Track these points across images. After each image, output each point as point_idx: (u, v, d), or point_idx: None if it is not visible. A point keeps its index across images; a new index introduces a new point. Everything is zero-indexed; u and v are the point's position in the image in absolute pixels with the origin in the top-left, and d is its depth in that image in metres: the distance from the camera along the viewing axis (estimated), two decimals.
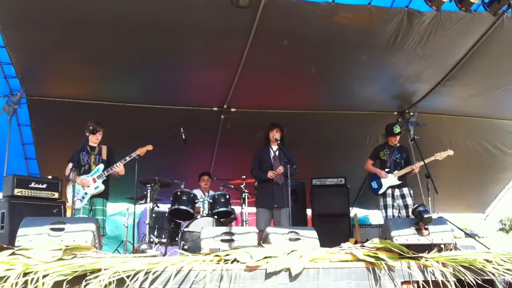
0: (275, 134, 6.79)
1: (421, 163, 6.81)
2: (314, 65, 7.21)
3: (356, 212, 9.57)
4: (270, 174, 6.69)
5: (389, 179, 7.10)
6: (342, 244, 4.68)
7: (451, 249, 4.98)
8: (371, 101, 8.51)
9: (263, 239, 4.86)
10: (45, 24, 6.04)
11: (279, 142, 6.71)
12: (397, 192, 7.07)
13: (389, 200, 7.06)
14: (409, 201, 6.96)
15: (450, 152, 7.03)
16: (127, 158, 6.60)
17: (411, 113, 8.78)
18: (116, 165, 6.55)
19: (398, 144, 7.23)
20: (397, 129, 7.25)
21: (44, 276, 3.50)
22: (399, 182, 7.06)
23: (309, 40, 6.58)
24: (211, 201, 6.92)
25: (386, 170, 7.16)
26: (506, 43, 6.61)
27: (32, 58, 6.74)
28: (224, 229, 4.87)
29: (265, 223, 6.54)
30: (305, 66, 7.23)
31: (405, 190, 7.04)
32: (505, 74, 7.42)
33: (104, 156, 6.73)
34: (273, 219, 6.73)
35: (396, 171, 7.07)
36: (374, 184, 7.23)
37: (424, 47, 6.70)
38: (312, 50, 6.85)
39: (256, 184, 7.12)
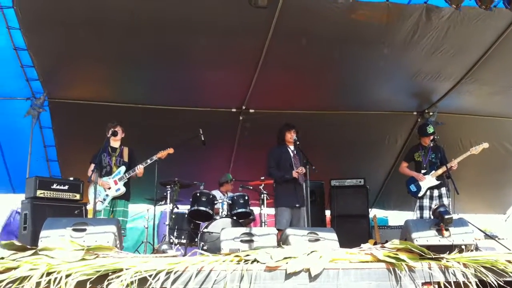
0: (293, 135, 6.81)
1: (458, 159, 6.89)
2: (332, 64, 7.18)
3: (375, 213, 9.53)
4: (295, 173, 6.68)
5: (427, 181, 7.06)
6: (362, 245, 4.67)
7: (472, 250, 4.93)
8: (390, 101, 8.45)
9: (282, 240, 4.87)
10: (65, 26, 6.12)
11: (298, 143, 6.71)
12: (435, 192, 7.03)
13: (426, 202, 7.03)
14: (445, 201, 6.90)
15: (485, 145, 6.98)
16: (148, 161, 6.67)
17: (431, 113, 8.69)
18: (137, 168, 6.63)
19: (432, 144, 7.16)
20: (430, 129, 7.21)
21: (67, 276, 3.56)
22: (437, 182, 7.02)
23: (327, 39, 6.56)
24: (230, 202, 6.93)
25: (423, 171, 7.12)
26: None
27: (53, 60, 6.82)
28: (243, 230, 4.88)
29: (287, 222, 6.53)
30: (323, 65, 7.21)
31: (443, 190, 6.99)
32: None
33: (125, 158, 6.82)
34: (295, 218, 6.71)
35: (433, 171, 7.02)
36: (413, 187, 7.19)
37: (442, 42, 6.62)
38: (330, 49, 6.81)
39: (274, 184, 7.10)
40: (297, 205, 6.66)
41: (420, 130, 7.48)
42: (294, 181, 6.70)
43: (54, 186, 6.53)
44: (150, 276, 3.60)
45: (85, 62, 6.96)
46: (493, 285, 4.00)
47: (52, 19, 6.01)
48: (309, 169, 6.35)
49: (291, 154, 6.90)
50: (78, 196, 6.70)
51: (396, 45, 6.71)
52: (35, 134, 7.89)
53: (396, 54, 6.94)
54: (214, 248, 5.73)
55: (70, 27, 6.15)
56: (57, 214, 5.95)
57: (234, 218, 6.70)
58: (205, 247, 6.20)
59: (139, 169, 6.65)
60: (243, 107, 8.47)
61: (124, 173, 6.67)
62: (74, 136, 8.31)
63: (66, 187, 6.63)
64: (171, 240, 6.70)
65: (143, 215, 8.69)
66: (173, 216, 6.89)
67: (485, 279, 4.06)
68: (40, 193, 6.37)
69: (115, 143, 6.85)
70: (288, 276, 3.86)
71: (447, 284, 4.05)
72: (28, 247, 4.16)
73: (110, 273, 3.63)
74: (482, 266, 4.17)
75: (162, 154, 6.74)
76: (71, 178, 6.86)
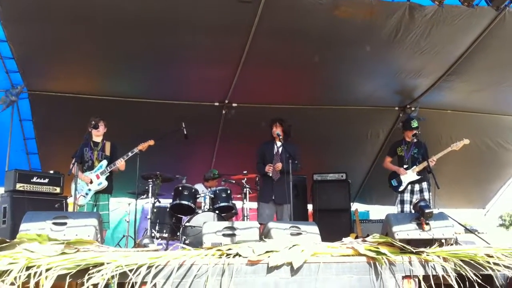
0: (277, 129, 6.83)
1: (439, 155, 6.99)
2: (315, 60, 7.18)
3: (357, 207, 9.59)
4: (267, 168, 6.78)
5: (408, 175, 7.12)
6: (343, 239, 4.69)
7: (452, 244, 4.99)
8: (372, 96, 8.49)
9: (265, 234, 4.88)
10: (47, 18, 6.02)
11: (280, 137, 6.74)
12: (416, 187, 7.10)
13: (406, 196, 7.10)
14: (426, 195, 6.97)
15: (466, 141, 7.06)
16: (129, 154, 6.67)
17: (413, 108, 8.76)
18: (118, 161, 6.60)
19: (415, 140, 7.21)
20: (414, 124, 7.24)
21: (47, 270, 3.52)
22: (418, 177, 7.07)
23: (310, 35, 6.56)
24: (212, 196, 6.93)
25: (405, 166, 7.18)
26: (507, 38, 6.58)
27: (34, 52, 6.71)
28: (226, 223, 4.88)
29: (267, 217, 6.59)
30: (306, 61, 7.20)
31: (424, 185, 7.07)
32: (507, 69, 7.37)
33: (107, 152, 6.81)
34: (276, 215, 6.77)
35: (415, 166, 7.08)
36: (394, 182, 7.26)
37: (425, 41, 6.66)
38: (313, 45, 6.83)
39: (257, 179, 7.16)
40: (273, 199, 6.76)
41: (404, 124, 7.54)
42: (271, 177, 6.79)
43: (34, 179, 6.47)
44: (131, 270, 3.58)
45: (67, 54, 6.86)
46: (472, 279, 4.05)
47: (33, 11, 5.90)
48: (291, 164, 6.38)
49: (275, 150, 6.94)
50: (58, 190, 6.66)
51: (380, 43, 6.73)
52: (15, 126, 7.81)
53: (379, 51, 6.96)
54: (196, 242, 5.73)
55: (52, 19, 6.05)
56: (37, 207, 5.88)
57: (217, 212, 6.69)
58: (187, 241, 6.20)
59: (120, 162, 6.63)
60: (226, 101, 8.45)
61: (106, 167, 6.64)
62: (55, 128, 8.22)
63: (46, 181, 6.57)
64: (153, 234, 6.67)
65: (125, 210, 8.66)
66: (155, 210, 6.86)
67: (464, 273, 4.11)
68: (19, 186, 6.31)
69: (97, 137, 6.83)
70: (270, 269, 3.87)
71: (426, 278, 4.10)
72: (7, 240, 4.10)
73: (91, 267, 3.59)
74: (462, 260, 4.23)
75: (143, 146, 6.73)
76: (52, 171, 6.80)
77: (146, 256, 3.77)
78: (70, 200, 6.67)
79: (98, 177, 6.61)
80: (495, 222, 31.16)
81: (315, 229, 4.97)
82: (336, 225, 8.26)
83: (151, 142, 6.81)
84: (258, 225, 5.01)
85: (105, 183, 6.62)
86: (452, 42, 6.81)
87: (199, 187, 7.72)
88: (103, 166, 6.65)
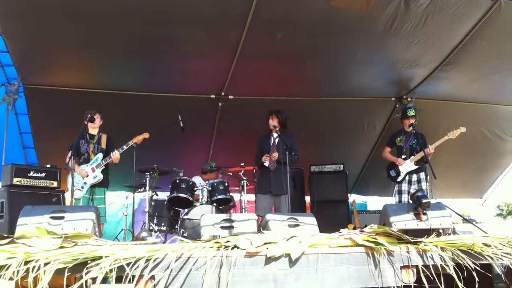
0: (273, 121, 6.85)
1: (435, 144, 7.01)
2: (311, 51, 7.17)
3: (354, 198, 9.61)
4: (263, 158, 6.84)
5: (406, 165, 7.16)
6: (341, 230, 4.70)
7: (449, 234, 5.00)
8: (368, 87, 8.47)
9: (262, 225, 4.88)
10: (42, 12, 5.98)
11: (276, 128, 6.75)
12: (414, 177, 7.14)
13: (404, 186, 7.13)
14: (424, 186, 7.01)
15: (463, 129, 7.07)
16: (124, 147, 6.65)
17: (409, 99, 8.75)
18: (113, 154, 6.58)
19: (413, 131, 7.22)
20: (411, 112, 7.29)
21: (45, 264, 3.51)
22: (416, 167, 7.11)
23: (306, 27, 6.54)
24: (210, 188, 6.93)
25: (403, 156, 7.21)
26: (503, 28, 6.56)
27: (29, 46, 6.69)
28: (223, 216, 4.89)
29: (265, 209, 6.60)
30: (302, 52, 7.19)
31: (422, 175, 7.11)
32: (503, 59, 7.38)
33: (103, 145, 6.77)
34: (274, 206, 6.79)
35: (413, 156, 7.10)
36: (392, 173, 7.31)
37: (421, 31, 6.63)
38: (309, 37, 6.80)
39: (254, 171, 7.17)
40: (271, 191, 6.79)
41: (402, 112, 7.61)
42: (268, 168, 6.82)
43: (31, 174, 6.45)
44: (129, 263, 3.57)
45: (62, 48, 6.84)
46: (470, 268, 4.06)
47: (28, 5, 5.86)
48: (288, 155, 6.38)
49: (271, 142, 6.96)
50: (55, 184, 6.63)
51: (375, 34, 6.71)
52: (11, 120, 7.75)
53: (375, 42, 6.96)
54: (195, 235, 5.75)
55: (46, 13, 6.01)
56: (34, 202, 5.86)
57: (214, 204, 6.69)
58: (185, 234, 6.20)
59: (115, 154, 6.60)
60: (222, 93, 8.42)
61: (102, 160, 6.61)
62: (51, 122, 8.19)
63: (43, 175, 6.55)
64: (151, 227, 6.67)
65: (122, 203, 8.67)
66: (153, 203, 6.86)
67: (462, 262, 4.12)
68: (16, 180, 6.29)
69: (93, 130, 6.81)
70: (268, 261, 3.86)
71: (424, 268, 4.10)
72: (5, 235, 4.09)
73: (89, 261, 3.58)
74: (459, 250, 4.23)
75: (138, 139, 6.72)
76: (48, 166, 6.78)
77: (144, 249, 3.76)
78: (66, 195, 6.65)
79: (93, 170, 6.58)
80: (493, 212, 31.25)
81: (312, 220, 4.98)
82: (333, 216, 8.29)
83: (146, 135, 6.80)
84: (256, 217, 5.02)
85: (100, 176, 6.59)
86: (448, 31, 6.79)
87: (197, 179, 7.73)
88: (98, 159, 6.63)
